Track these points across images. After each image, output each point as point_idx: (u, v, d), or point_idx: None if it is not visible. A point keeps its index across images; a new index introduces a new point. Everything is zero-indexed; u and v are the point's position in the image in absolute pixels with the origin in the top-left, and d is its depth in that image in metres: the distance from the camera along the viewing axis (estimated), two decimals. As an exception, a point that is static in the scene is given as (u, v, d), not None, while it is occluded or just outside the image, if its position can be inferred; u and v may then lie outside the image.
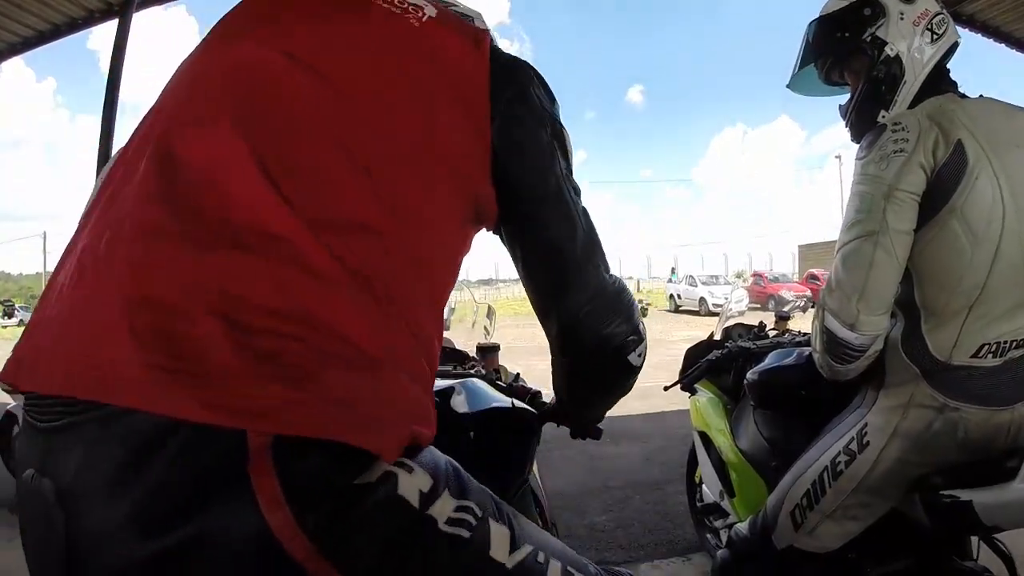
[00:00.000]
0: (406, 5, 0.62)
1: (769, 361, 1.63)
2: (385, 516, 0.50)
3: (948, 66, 1.26)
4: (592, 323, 0.69)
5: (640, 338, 0.74)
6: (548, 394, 1.13)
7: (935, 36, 1.21)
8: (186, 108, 0.58)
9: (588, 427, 1.09)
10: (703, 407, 2.04)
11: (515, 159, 0.63)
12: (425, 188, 0.57)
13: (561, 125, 0.68)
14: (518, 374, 1.39)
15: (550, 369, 0.91)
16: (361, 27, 0.60)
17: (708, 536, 2.31)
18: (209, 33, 0.66)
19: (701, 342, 2.16)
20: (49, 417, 0.50)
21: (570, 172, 0.69)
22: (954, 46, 1.24)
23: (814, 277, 20.21)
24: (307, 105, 0.55)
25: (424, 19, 0.61)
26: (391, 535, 0.51)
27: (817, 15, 1.34)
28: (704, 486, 2.06)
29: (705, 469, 2.02)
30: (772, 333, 2.08)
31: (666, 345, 11.38)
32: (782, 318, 2.09)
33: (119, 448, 0.47)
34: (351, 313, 0.52)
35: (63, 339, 0.51)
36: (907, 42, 1.21)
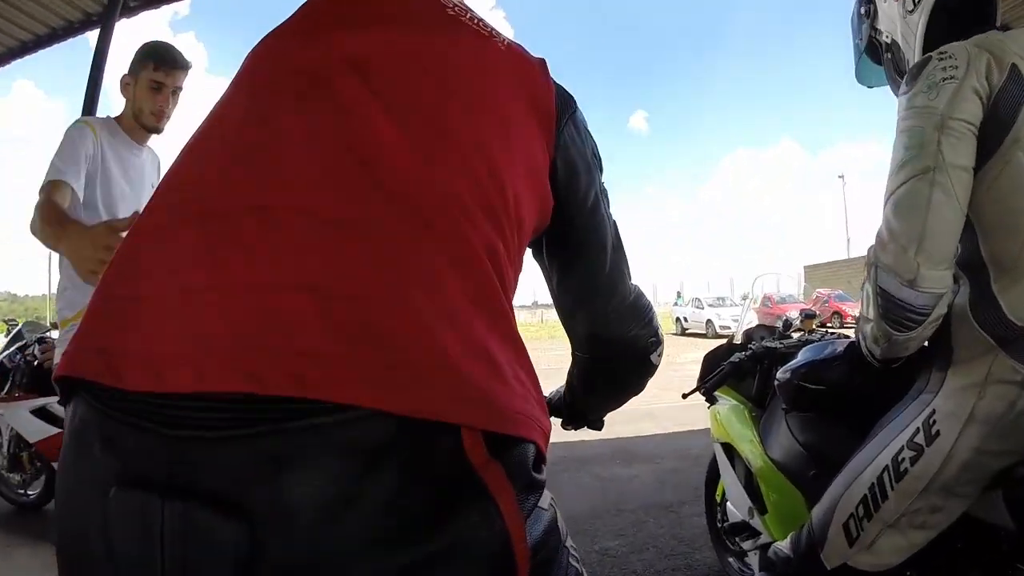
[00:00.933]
0: (490, 30, 0.66)
1: (802, 358, 1.47)
2: (554, 539, 0.53)
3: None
4: (617, 327, 0.76)
5: (659, 340, 0.81)
6: (545, 388, 1.08)
7: (916, 1, 1.11)
8: (322, 95, 0.56)
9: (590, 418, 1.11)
10: (725, 416, 1.88)
11: (569, 174, 0.67)
12: (518, 184, 0.60)
13: (594, 141, 0.74)
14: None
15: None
16: (463, 42, 0.64)
17: (731, 560, 2.13)
18: (295, 24, 0.66)
19: (720, 347, 2.01)
20: (216, 422, 0.43)
21: (603, 183, 0.74)
22: None
23: (820, 298, 20.07)
24: (443, 109, 0.58)
25: (506, 44, 0.66)
26: (553, 557, 0.53)
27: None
28: (729, 504, 1.88)
29: (730, 485, 1.85)
30: (796, 334, 1.92)
31: (674, 367, 11.21)
32: (808, 316, 1.94)
33: (346, 458, 0.43)
34: (507, 308, 0.54)
35: (242, 333, 0.44)
36: (895, 23, 1.15)
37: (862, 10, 1.22)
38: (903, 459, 1.04)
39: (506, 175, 0.58)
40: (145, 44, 1.87)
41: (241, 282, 0.46)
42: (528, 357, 0.55)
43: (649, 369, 0.82)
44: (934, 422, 1.02)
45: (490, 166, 0.57)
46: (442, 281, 0.49)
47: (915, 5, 1.10)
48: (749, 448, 1.69)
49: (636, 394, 0.88)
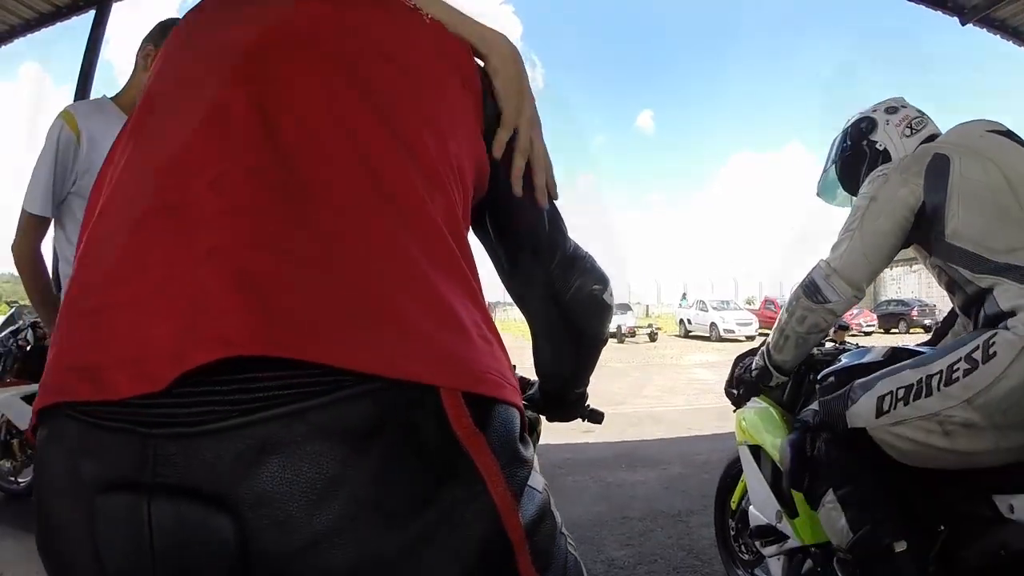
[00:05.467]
0: (413, 4, 0.68)
1: (845, 361, 1.48)
2: (549, 523, 0.53)
3: None
4: (564, 280, 0.80)
5: (606, 283, 0.86)
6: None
7: (914, 131, 1.55)
8: (268, 71, 0.56)
9: (585, 408, 1.12)
10: (752, 419, 1.82)
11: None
12: (462, 153, 0.62)
13: None
14: (514, 367, 1.24)
15: None
16: (397, 16, 0.66)
17: (740, 572, 2.09)
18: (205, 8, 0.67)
19: (753, 350, 1.92)
20: (197, 416, 0.42)
21: None
22: (930, 137, 1.52)
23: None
24: (394, 83, 0.59)
25: (429, 18, 0.68)
26: (551, 542, 0.53)
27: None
28: (752, 508, 1.82)
29: (755, 487, 1.78)
30: (829, 344, 1.87)
31: (678, 369, 11.13)
32: (841, 327, 1.89)
33: (328, 442, 0.42)
34: (465, 270, 0.55)
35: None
36: (892, 140, 1.56)
37: (862, 125, 1.62)
38: (957, 368, 1.13)
39: (452, 144, 0.60)
40: (171, 19, 1.78)
41: (204, 251, 0.46)
42: (491, 316, 0.56)
43: (604, 308, 0.86)
44: (993, 343, 1.11)
45: (439, 136, 0.59)
46: (402, 247, 0.50)
47: (912, 133, 1.55)
48: None
49: (601, 342, 0.92)
